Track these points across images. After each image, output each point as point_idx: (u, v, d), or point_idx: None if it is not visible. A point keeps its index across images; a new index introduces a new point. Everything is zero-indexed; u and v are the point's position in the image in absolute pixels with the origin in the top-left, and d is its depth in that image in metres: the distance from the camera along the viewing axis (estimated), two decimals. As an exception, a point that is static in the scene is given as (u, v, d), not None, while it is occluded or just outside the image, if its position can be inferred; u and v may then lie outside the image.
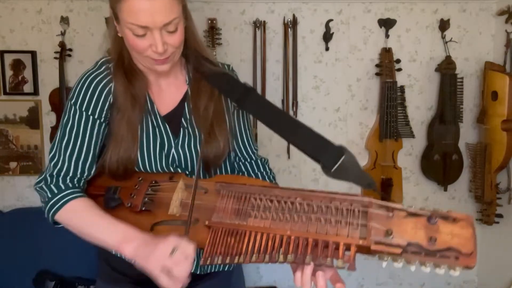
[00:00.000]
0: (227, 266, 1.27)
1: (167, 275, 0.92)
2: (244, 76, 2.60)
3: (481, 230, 2.78)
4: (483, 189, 2.52)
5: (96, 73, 1.11)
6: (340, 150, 0.95)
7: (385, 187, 2.60)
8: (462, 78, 2.57)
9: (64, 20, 2.53)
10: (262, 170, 1.30)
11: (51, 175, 1.10)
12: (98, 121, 1.11)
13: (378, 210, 0.87)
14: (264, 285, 2.80)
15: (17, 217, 2.52)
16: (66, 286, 2.36)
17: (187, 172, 1.17)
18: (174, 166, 1.15)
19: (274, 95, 2.62)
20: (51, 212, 1.07)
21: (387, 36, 2.60)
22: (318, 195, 0.95)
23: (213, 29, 2.48)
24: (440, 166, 2.61)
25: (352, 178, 0.94)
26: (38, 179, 1.12)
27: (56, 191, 1.08)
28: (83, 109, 1.09)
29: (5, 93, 2.59)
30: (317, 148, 1.00)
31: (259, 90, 2.60)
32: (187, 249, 0.93)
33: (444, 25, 2.60)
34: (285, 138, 1.07)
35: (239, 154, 1.28)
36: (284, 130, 1.06)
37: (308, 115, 2.66)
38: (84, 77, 1.11)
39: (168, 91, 1.18)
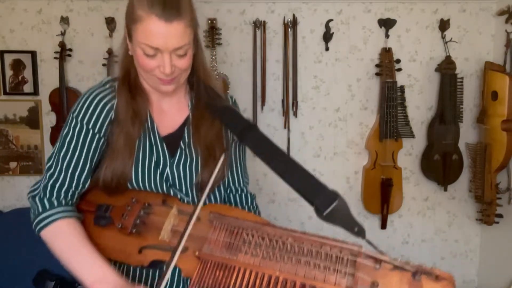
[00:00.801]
0: None
1: None
2: (244, 76, 2.60)
3: (481, 230, 2.79)
4: (483, 189, 2.52)
5: (100, 89, 1.14)
6: (334, 195, 0.96)
7: (385, 187, 2.60)
8: (462, 78, 2.57)
9: (64, 20, 2.53)
10: (249, 204, 1.31)
11: (46, 186, 1.10)
12: (97, 136, 1.12)
13: (366, 260, 0.89)
14: None
15: (17, 217, 2.52)
16: (66, 286, 2.36)
17: (180, 195, 1.17)
18: (168, 185, 1.16)
19: (274, 95, 2.62)
20: (38, 227, 1.08)
21: (387, 36, 2.60)
22: (309, 238, 0.96)
23: (213, 29, 2.48)
24: (440, 166, 2.60)
25: (343, 224, 0.95)
26: (33, 189, 1.13)
27: (47, 207, 1.08)
28: (84, 123, 1.11)
29: (5, 93, 2.60)
30: (311, 191, 1.00)
31: (259, 90, 2.60)
32: None
33: (444, 25, 2.60)
34: (282, 177, 1.07)
35: (231, 184, 1.30)
36: (281, 169, 1.07)
37: (308, 115, 2.66)
38: (88, 93, 1.14)
39: (170, 113, 1.20)
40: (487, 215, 2.56)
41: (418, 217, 2.78)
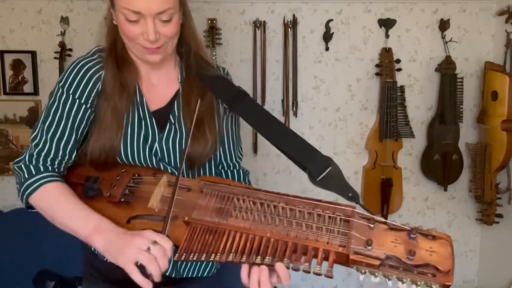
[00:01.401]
0: (208, 269, 1.24)
1: (139, 271, 0.90)
2: (244, 76, 2.60)
3: (481, 230, 2.79)
4: (483, 189, 2.52)
5: (88, 59, 1.11)
6: (327, 161, 0.97)
7: (385, 187, 2.60)
8: (462, 78, 2.57)
9: (64, 20, 2.53)
10: (242, 180, 1.28)
11: (31, 155, 1.07)
12: (84, 106, 1.09)
13: (360, 220, 0.87)
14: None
15: (17, 217, 2.52)
16: (66, 286, 2.36)
17: (170, 169, 1.14)
18: (157, 159, 1.13)
19: (274, 95, 2.62)
20: (26, 193, 1.05)
21: (387, 36, 2.60)
22: (301, 201, 0.94)
23: (213, 29, 2.48)
24: (440, 166, 2.61)
25: (336, 189, 0.95)
26: (18, 159, 1.10)
27: (34, 172, 1.06)
28: (70, 92, 1.08)
29: (5, 93, 2.60)
30: (305, 156, 1.01)
31: (259, 90, 2.60)
32: (165, 245, 0.92)
33: (444, 25, 2.60)
34: (274, 144, 1.06)
35: (223, 160, 1.26)
36: (274, 136, 1.06)
37: (308, 115, 2.66)
38: (75, 62, 1.11)
39: (159, 86, 1.16)
40: (487, 215, 2.56)
41: (418, 217, 2.78)
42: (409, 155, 2.71)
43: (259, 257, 0.86)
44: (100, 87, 1.09)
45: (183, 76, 1.18)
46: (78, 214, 1.02)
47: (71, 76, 1.09)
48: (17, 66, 2.57)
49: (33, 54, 2.56)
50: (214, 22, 2.49)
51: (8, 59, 2.56)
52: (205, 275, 1.24)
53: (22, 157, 1.09)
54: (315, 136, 2.68)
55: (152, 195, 1.04)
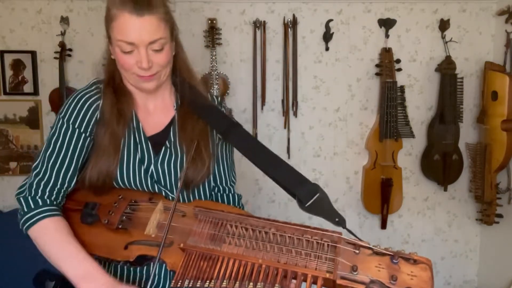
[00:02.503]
0: None
1: None
2: (244, 76, 2.60)
3: (481, 230, 2.79)
4: (483, 189, 2.52)
5: (86, 91, 1.16)
6: (315, 188, 1.01)
7: (385, 187, 2.60)
8: (462, 78, 2.57)
9: (64, 20, 2.53)
10: (236, 204, 1.32)
11: (31, 185, 1.12)
12: (83, 135, 1.14)
13: (346, 246, 0.91)
14: None
15: (17, 217, 2.51)
16: (66, 286, 2.36)
17: (165, 192, 1.18)
18: (153, 181, 1.17)
19: (274, 95, 2.62)
20: (25, 226, 1.10)
21: (387, 36, 2.60)
22: (291, 227, 0.98)
23: (213, 29, 2.48)
24: (440, 166, 2.61)
25: (324, 214, 1.00)
26: (19, 190, 1.14)
27: (32, 206, 1.10)
28: (70, 123, 1.13)
29: (5, 93, 2.59)
30: (294, 183, 1.05)
31: (259, 90, 2.60)
32: None
33: (444, 25, 2.60)
34: (266, 172, 1.11)
35: (218, 183, 1.30)
36: (265, 165, 1.11)
37: (308, 115, 2.66)
38: (75, 94, 1.16)
39: (156, 113, 1.21)
40: (487, 215, 2.56)
41: (418, 217, 2.78)
42: (409, 155, 2.71)
43: (251, 283, 0.90)
44: (98, 116, 1.14)
45: (178, 103, 1.23)
46: (70, 256, 1.06)
47: (71, 107, 1.14)
48: (17, 66, 2.57)
49: (33, 54, 2.56)
50: (214, 22, 2.49)
51: (8, 59, 2.56)
52: None
53: (23, 188, 1.13)
54: (315, 136, 2.68)
55: (149, 221, 1.07)
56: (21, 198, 1.12)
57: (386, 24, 2.60)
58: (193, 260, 0.97)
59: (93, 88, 1.17)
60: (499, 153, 2.43)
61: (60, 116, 1.15)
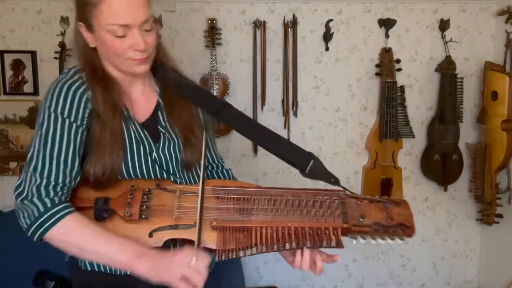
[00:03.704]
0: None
1: (186, 283, 0.98)
2: (244, 76, 2.60)
3: (481, 230, 2.79)
4: (483, 189, 2.52)
5: (71, 81, 1.10)
6: (310, 156, 1.14)
7: (385, 187, 2.60)
8: (462, 78, 2.57)
9: (64, 20, 2.53)
10: (230, 177, 1.39)
11: (39, 187, 1.04)
12: (80, 128, 1.09)
13: (350, 200, 1.11)
14: (264, 285, 2.80)
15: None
16: (66, 286, 2.36)
17: (168, 176, 1.19)
18: (157, 168, 1.17)
19: (274, 95, 2.62)
20: (42, 228, 1.03)
21: (387, 36, 2.60)
22: (304, 192, 1.13)
23: (213, 29, 2.48)
24: (440, 166, 2.61)
25: (322, 177, 1.14)
26: (21, 193, 1.06)
27: (49, 205, 1.03)
28: (65, 116, 1.07)
29: (5, 93, 2.59)
30: (293, 154, 1.15)
31: (259, 90, 2.60)
32: (205, 258, 1.00)
33: (444, 25, 2.60)
34: (264, 146, 1.17)
35: (211, 161, 1.36)
36: (263, 139, 1.17)
37: (308, 115, 2.66)
38: (60, 84, 1.09)
39: (139, 100, 1.21)
40: (487, 215, 2.56)
41: (418, 217, 2.78)
42: (409, 155, 2.71)
43: (287, 243, 1.04)
44: (90, 107, 1.10)
45: (160, 87, 1.23)
46: (110, 242, 1.04)
47: (61, 99, 1.07)
48: (17, 66, 2.57)
49: (33, 54, 2.56)
50: (214, 22, 2.49)
51: (8, 59, 2.56)
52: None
53: (26, 190, 1.05)
54: (315, 136, 2.68)
55: (173, 208, 1.10)
56: (34, 199, 1.04)
57: (386, 24, 2.60)
58: (229, 235, 1.06)
59: (76, 77, 1.11)
60: (499, 153, 2.43)
61: (50, 109, 1.07)
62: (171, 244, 1.08)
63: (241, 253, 1.04)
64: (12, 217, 2.74)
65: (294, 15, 2.56)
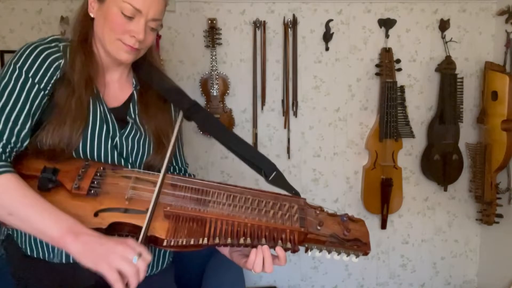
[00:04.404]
0: (161, 264, 1.27)
1: (120, 279, 0.90)
2: (244, 76, 2.60)
3: (481, 230, 2.79)
4: (483, 189, 2.52)
5: (46, 46, 1.08)
6: (273, 165, 1.15)
7: (385, 187, 2.60)
8: (462, 78, 2.57)
9: (64, 20, 2.53)
10: None
11: None
12: (42, 92, 1.05)
13: (310, 208, 1.12)
14: (264, 285, 2.80)
15: None
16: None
17: (127, 165, 1.15)
18: (116, 154, 1.14)
19: (274, 95, 2.62)
20: None
21: (387, 36, 2.60)
22: (265, 194, 1.12)
23: (213, 29, 2.48)
24: (440, 166, 2.60)
25: (284, 187, 1.15)
26: None
27: None
28: (30, 75, 1.03)
29: (5, 93, 2.59)
30: (259, 160, 1.16)
31: (259, 90, 2.60)
32: (148, 259, 0.93)
33: (444, 25, 2.60)
34: (232, 149, 1.17)
35: (174, 164, 1.33)
36: (231, 143, 1.17)
37: (308, 115, 2.66)
38: (33, 46, 1.06)
39: (112, 86, 1.19)
40: (487, 215, 2.56)
41: (418, 217, 2.78)
42: (409, 155, 2.71)
43: (241, 238, 1.00)
44: (58, 75, 1.07)
45: (137, 82, 1.22)
46: (48, 211, 0.94)
47: (30, 59, 1.04)
48: (17, 66, 2.57)
49: (33, 54, 2.56)
50: (214, 22, 2.49)
51: (8, 59, 2.56)
52: (157, 271, 1.27)
53: None
54: (315, 136, 2.68)
55: (126, 190, 1.04)
56: None
57: (386, 24, 2.60)
58: (182, 222, 1.01)
59: (52, 45, 1.09)
60: (499, 153, 2.43)
61: (17, 66, 1.03)
62: (115, 230, 1.01)
63: (192, 241, 0.97)
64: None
65: (294, 15, 2.56)
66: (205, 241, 0.98)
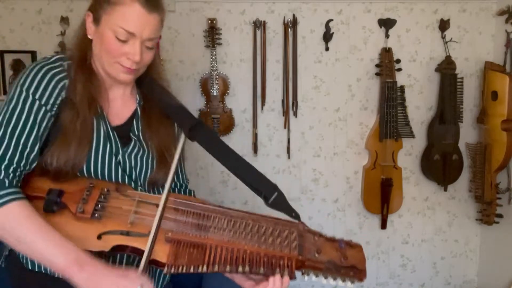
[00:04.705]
0: (160, 284, 1.28)
1: None
2: (244, 76, 2.60)
3: (481, 230, 2.79)
4: (483, 189, 2.52)
5: (51, 66, 1.09)
6: (275, 187, 1.13)
7: (385, 187, 2.60)
8: (462, 78, 2.57)
9: (64, 20, 2.53)
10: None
11: None
12: (49, 113, 1.06)
13: (308, 235, 1.12)
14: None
15: None
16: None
17: (130, 183, 1.16)
18: (120, 171, 1.15)
19: (274, 95, 2.62)
20: None
21: (387, 36, 2.60)
22: (265, 219, 1.12)
23: (213, 29, 2.48)
24: (440, 166, 2.60)
25: (284, 210, 1.13)
26: None
27: None
28: (36, 97, 1.04)
29: (5, 93, 2.59)
30: (259, 182, 1.14)
31: (259, 90, 2.60)
32: None
33: (444, 25, 2.60)
34: (232, 171, 1.16)
35: (175, 180, 1.34)
36: (232, 164, 1.15)
37: (308, 115, 2.66)
38: (38, 67, 1.07)
39: (116, 104, 1.19)
40: (487, 215, 2.56)
41: (418, 217, 2.78)
42: (409, 155, 2.71)
43: (240, 266, 1.02)
44: (64, 96, 1.08)
45: (141, 98, 1.22)
46: (54, 241, 0.96)
47: (36, 80, 1.05)
48: (17, 66, 2.57)
49: (33, 54, 2.56)
50: (214, 22, 2.49)
51: (8, 59, 2.56)
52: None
53: None
54: (315, 136, 2.68)
55: (129, 212, 1.06)
56: None
57: (386, 24, 2.59)
58: (183, 248, 1.02)
59: (57, 64, 1.10)
60: (499, 153, 2.43)
61: (23, 88, 1.04)
62: (117, 252, 1.04)
63: (192, 269, 1.00)
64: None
65: (294, 15, 2.56)
66: (205, 268, 1.00)
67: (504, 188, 2.52)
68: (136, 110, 1.21)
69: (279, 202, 1.13)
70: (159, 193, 1.20)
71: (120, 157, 1.15)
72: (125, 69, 1.10)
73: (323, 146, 2.69)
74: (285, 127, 2.64)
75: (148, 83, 1.21)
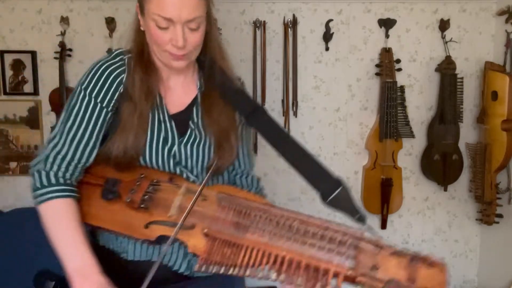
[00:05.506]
0: None
1: None
2: (244, 76, 2.59)
3: (481, 230, 2.79)
4: (483, 189, 2.52)
5: (110, 62, 1.12)
6: (337, 183, 1.02)
7: (385, 187, 2.60)
8: (462, 78, 2.57)
9: (64, 20, 2.53)
10: (255, 187, 1.32)
11: (47, 157, 1.09)
12: (105, 110, 1.11)
13: (367, 245, 0.93)
14: (264, 285, 2.80)
15: (17, 217, 2.51)
16: (66, 286, 2.36)
17: (186, 174, 1.17)
18: (175, 162, 1.15)
19: (274, 95, 2.62)
20: (35, 201, 1.09)
21: (387, 36, 2.60)
22: (314, 222, 0.99)
23: (213, 29, 2.48)
24: (440, 166, 2.60)
25: (345, 210, 1.00)
26: (36, 162, 1.11)
27: (46, 182, 1.07)
28: (93, 96, 1.10)
29: (5, 93, 2.59)
30: (317, 177, 1.05)
31: (259, 90, 2.60)
32: None
33: (444, 25, 2.60)
34: (289, 162, 1.09)
35: (237, 167, 1.30)
36: (288, 154, 1.09)
37: (308, 115, 2.66)
38: (98, 65, 1.12)
39: (176, 91, 1.19)
40: (487, 215, 2.56)
41: (418, 217, 2.78)
42: (409, 155, 2.71)
43: (274, 273, 0.92)
44: (121, 90, 1.11)
45: (201, 83, 1.20)
46: (73, 245, 1.04)
47: (94, 79, 1.10)
48: (17, 66, 2.57)
49: (33, 54, 2.56)
50: (214, 22, 2.49)
51: (8, 59, 2.56)
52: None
53: (39, 160, 1.10)
54: (315, 136, 2.68)
55: (172, 204, 1.07)
56: (35, 172, 1.09)
57: (386, 24, 2.60)
58: (217, 246, 0.98)
59: (117, 59, 1.13)
60: (499, 153, 2.43)
61: (82, 87, 1.11)
62: (164, 240, 1.05)
63: (223, 270, 0.95)
64: (12, 217, 2.76)
65: (294, 15, 2.56)
66: (236, 270, 0.94)
67: (504, 188, 2.52)
68: (196, 97, 1.20)
69: (341, 199, 1.00)
70: (214, 181, 1.22)
71: (175, 148, 1.15)
72: (174, 56, 1.08)
73: (323, 146, 2.69)
74: (285, 127, 2.64)
75: (209, 66, 1.19)
